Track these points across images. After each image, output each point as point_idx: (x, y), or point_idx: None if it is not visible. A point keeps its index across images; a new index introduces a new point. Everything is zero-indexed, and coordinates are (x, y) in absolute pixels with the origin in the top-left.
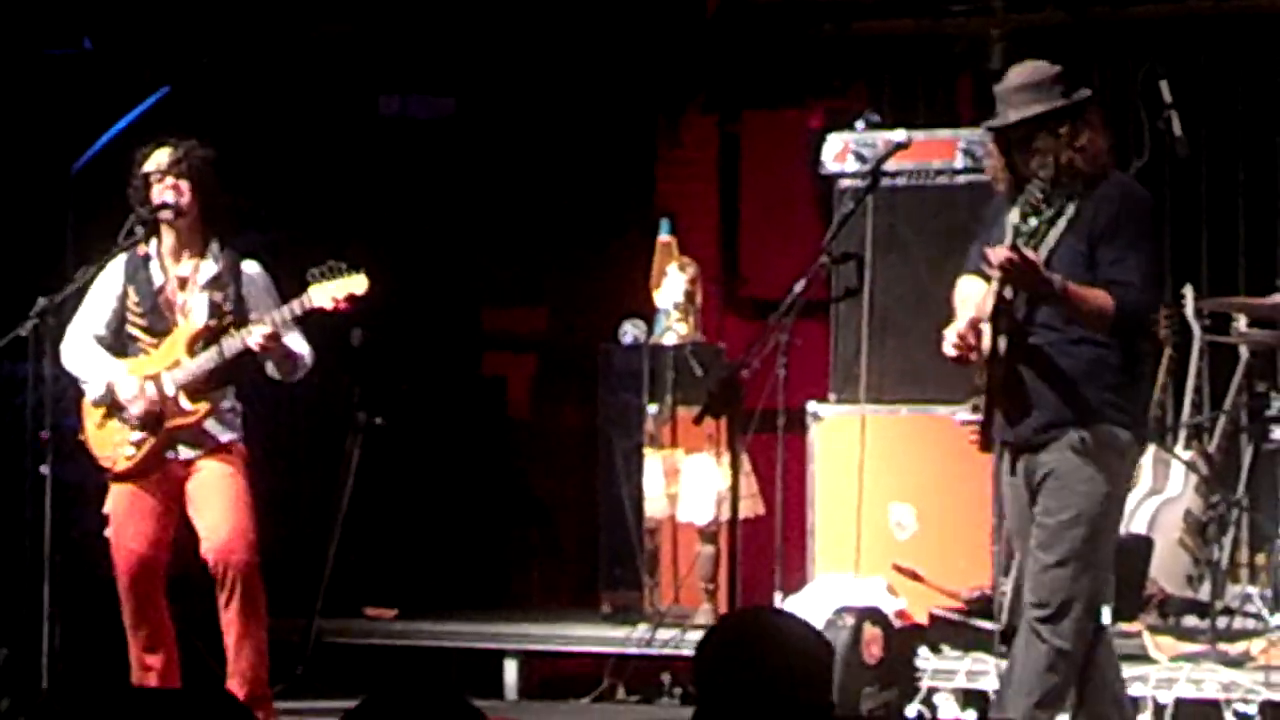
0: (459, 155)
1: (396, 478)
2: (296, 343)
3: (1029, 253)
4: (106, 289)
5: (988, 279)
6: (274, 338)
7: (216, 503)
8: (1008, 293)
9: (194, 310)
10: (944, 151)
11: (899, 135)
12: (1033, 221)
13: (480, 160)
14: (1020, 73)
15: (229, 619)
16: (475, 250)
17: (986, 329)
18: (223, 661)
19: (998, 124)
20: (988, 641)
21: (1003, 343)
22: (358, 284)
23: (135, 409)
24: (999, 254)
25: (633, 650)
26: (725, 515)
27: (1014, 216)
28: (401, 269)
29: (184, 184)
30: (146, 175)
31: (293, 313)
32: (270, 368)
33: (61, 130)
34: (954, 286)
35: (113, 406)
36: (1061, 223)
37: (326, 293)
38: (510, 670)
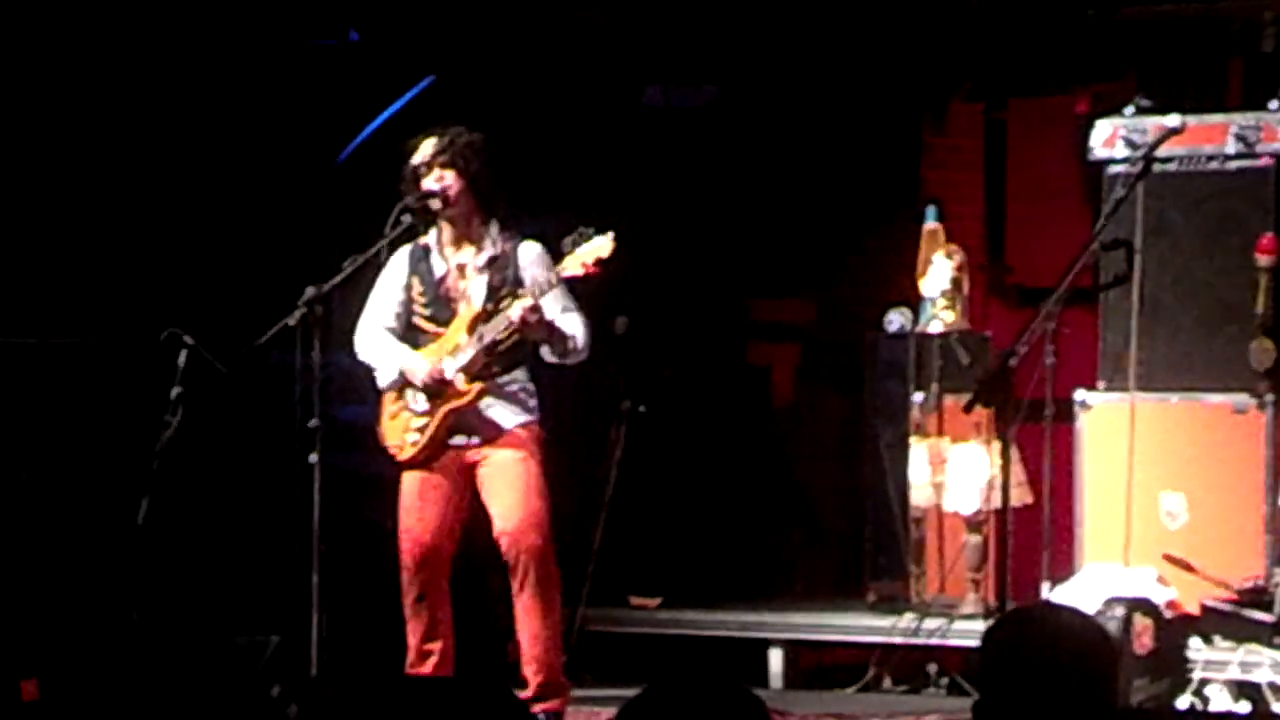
0: (723, 144)
1: (660, 466)
2: (570, 323)
3: None
4: (393, 281)
5: None
6: (533, 310)
7: (508, 488)
8: None
9: (473, 294)
10: (1215, 136)
11: (1171, 120)
12: None
13: (744, 149)
14: None
15: (521, 606)
16: (740, 239)
17: None
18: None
19: None
20: (1262, 633)
21: None
22: (603, 247)
23: (421, 385)
24: None
25: (898, 639)
26: (992, 504)
27: None
28: (666, 258)
29: (449, 173)
30: (415, 167)
31: (551, 285)
32: (545, 350)
33: (327, 121)
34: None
35: (405, 388)
36: None
37: (576, 260)
38: (775, 659)
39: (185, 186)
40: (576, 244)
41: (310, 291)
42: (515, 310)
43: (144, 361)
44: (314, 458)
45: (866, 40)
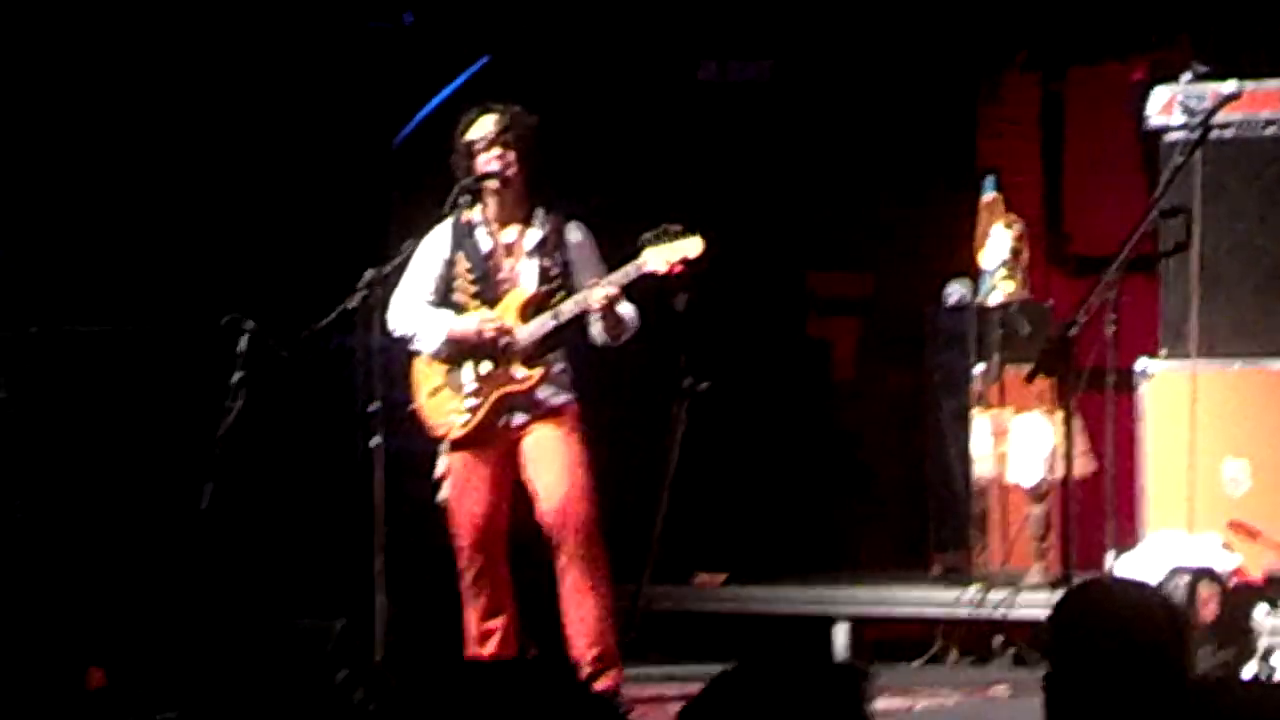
0: (779, 119)
1: (723, 443)
2: (623, 306)
3: None
4: (433, 255)
5: None
6: (615, 298)
7: (553, 465)
8: None
9: (524, 276)
10: (1273, 102)
11: (1228, 86)
12: None
13: (800, 124)
14: None
15: (570, 582)
16: (798, 214)
17: None
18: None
19: None
20: None
21: None
22: (692, 246)
23: (483, 340)
24: None
25: (964, 612)
26: (1055, 474)
27: None
28: (724, 234)
29: (510, 154)
30: (470, 143)
31: (628, 276)
32: (597, 332)
33: (383, 104)
34: None
35: (455, 355)
36: None
37: (661, 256)
38: (840, 634)
39: (243, 171)
40: (660, 239)
41: (370, 274)
42: (598, 297)
43: (205, 347)
44: (376, 441)
45: (921, 11)
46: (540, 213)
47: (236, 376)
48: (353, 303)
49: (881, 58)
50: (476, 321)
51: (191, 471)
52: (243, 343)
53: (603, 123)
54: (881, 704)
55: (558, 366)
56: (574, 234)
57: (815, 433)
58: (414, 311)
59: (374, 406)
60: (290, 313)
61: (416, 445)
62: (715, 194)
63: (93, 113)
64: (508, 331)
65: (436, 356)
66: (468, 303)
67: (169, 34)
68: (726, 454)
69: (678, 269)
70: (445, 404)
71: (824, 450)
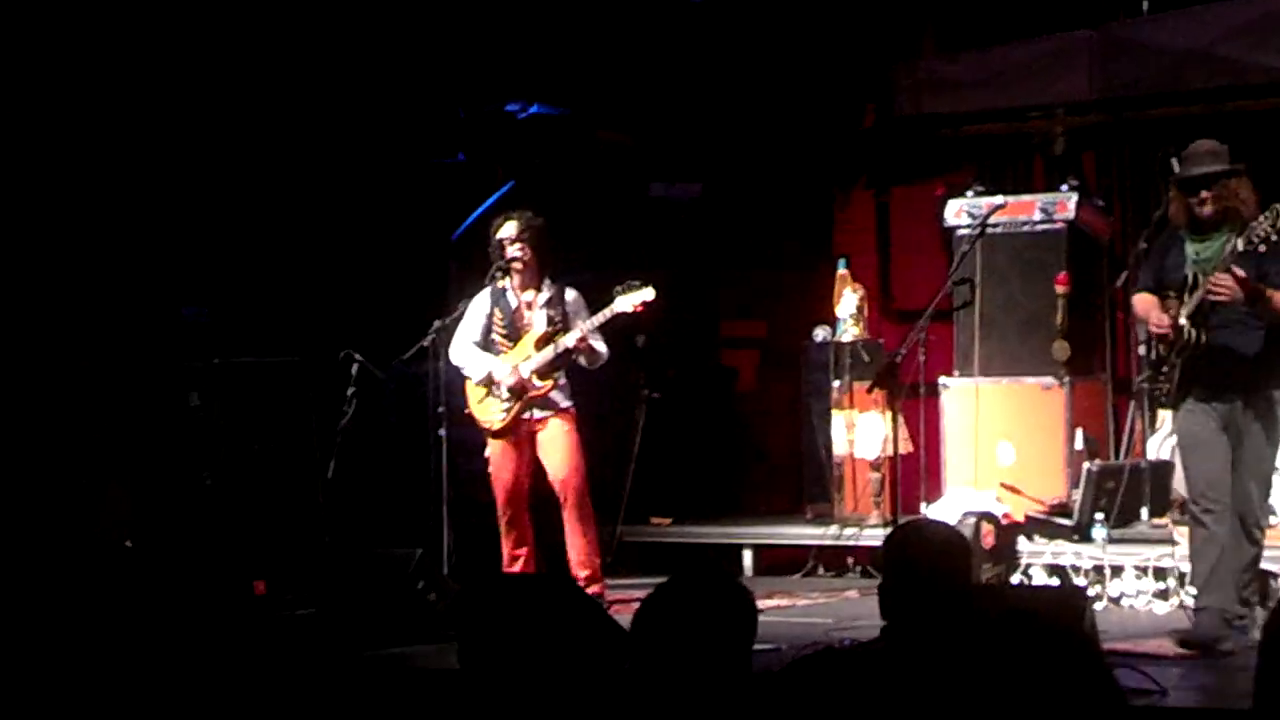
0: (707, 222)
1: (669, 432)
2: (599, 343)
3: (1239, 272)
4: (479, 311)
5: (1165, 293)
6: (584, 339)
7: (559, 450)
8: (1209, 299)
9: (537, 322)
10: (1027, 209)
11: (997, 199)
12: (1205, 250)
13: (722, 226)
14: (1206, 145)
15: (569, 526)
16: (717, 281)
17: (1184, 323)
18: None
19: (1199, 172)
20: (1065, 533)
21: (1198, 334)
22: (648, 294)
23: (508, 384)
24: (1224, 278)
25: (828, 542)
26: (887, 452)
27: (1191, 246)
28: (668, 298)
29: (527, 248)
30: (501, 240)
31: (604, 317)
32: (582, 360)
33: (446, 213)
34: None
35: (489, 385)
36: (1228, 249)
37: (629, 301)
38: (747, 557)
39: (361, 259)
40: (626, 291)
41: (437, 323)
42: (570, 340)
43: (329, 372)
44: (443, 432)
45: (798, 150)
46: (548, 281)
47: (350, 391)
48: (426, 342)
49: (772, 180)
50: (508, 374)
51: (323, 454)
52: (354, 369)
53: (585, 226)
54: (771, 604)
55: (562, 381)
56: (569, 295)
57: (729, 426)
58: (467, 350)
59: (440, 409)
60: (385, 349)
61: (468, 436)
62: (663, 270)
63: (235, 196)
64: (527, 381)
65: (481, 384)
66: (500, 341)
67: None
68: (672, 439)
69: (640, 309)
70: (489, 407)
71: (735, 437)
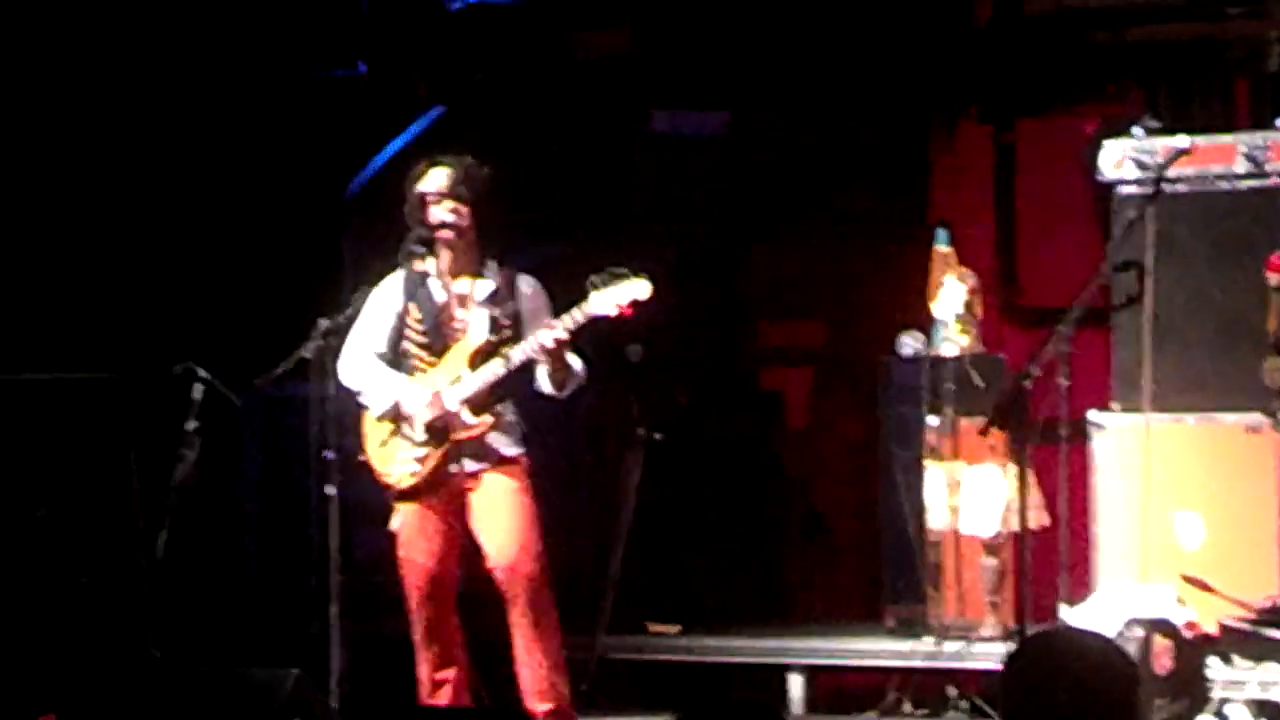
0: (733, 169)
1: (677, 492)
2: (570, 356)
3: None
4: (386, 306)
5: None
6: (563, 342)
7: (502, 518)
8: None
9: (474, 326)
10: (1224, 156)
11: (1181, 141)
12: None
13: (754, 175)
14: None
15: (521, 637)
16: (751, 265)
17: None
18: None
19: None
20: (1279, 652)
21: None
22: (640, 289)
23: (422, 420)
24: None
25: (918, 663)
26: (1010, 526)
27: None
28: (677, 284)
29: (463, 206)
30: (423, 195)
31: (575, 321)
32: (544, 381)
33: (336, 153)
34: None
35: (397, 420)
36: None
37: (609, 299)
38: (795, 684)
39: (195, 219)
40: (607, 282)
41: (324, 324)
42: (546, 339)
43: (159, 395)
44: (330, 489)
45: (875, 63)
46: (492, 264)
47: (191, 425)
48: (308, 352)
49: (834, 109)
50: (424, 404)
51: (146, 519)
52: (197, 391)
53: (557, 174)
54: None
55: (509, 417)
56: (525, 286)
57: (769, 483)
58: (364, 367)
59: (328, 454)
60: (243, 362)
61: (371, 495)
62: (668, 244)
63: (47, 164)
64: (451, 415)
65: (384, 417)
66: (415, 353)
67: (126, 85)
68: (681, 503)
69: (627, 311)
70: (395, 454)
71: (778, 500)
